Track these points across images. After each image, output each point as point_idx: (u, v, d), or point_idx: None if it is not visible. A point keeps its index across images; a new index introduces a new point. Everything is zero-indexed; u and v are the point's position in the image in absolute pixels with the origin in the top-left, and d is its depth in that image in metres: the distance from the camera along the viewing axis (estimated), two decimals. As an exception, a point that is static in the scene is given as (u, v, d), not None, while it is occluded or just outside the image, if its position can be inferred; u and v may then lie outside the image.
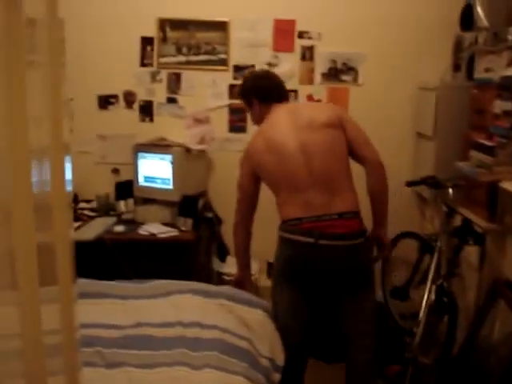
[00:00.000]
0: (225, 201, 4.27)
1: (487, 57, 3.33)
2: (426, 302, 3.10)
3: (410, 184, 3.48)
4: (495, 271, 3.10)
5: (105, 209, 4.14)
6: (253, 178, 2.91)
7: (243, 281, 3.16)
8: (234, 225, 3.07)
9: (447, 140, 3.63)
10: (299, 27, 4.14)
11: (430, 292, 3.10)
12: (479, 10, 3.39)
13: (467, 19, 3.64)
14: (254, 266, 4.12)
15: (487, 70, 3.30)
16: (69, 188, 1.13)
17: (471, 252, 3.24)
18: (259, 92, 2.94)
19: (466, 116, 3.51)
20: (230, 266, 4.11)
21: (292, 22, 4.15)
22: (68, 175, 1.12)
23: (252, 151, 2.85)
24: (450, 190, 3.24)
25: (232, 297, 2.84)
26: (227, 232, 4.27)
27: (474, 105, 3.42)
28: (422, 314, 3.10)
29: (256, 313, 2.75)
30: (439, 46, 4.05)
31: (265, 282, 4.17)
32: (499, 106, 2.90)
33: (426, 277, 3.29)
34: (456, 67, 3.90)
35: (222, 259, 4.21)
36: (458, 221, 3.29)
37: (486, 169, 2.85)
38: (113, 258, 3.69)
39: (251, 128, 4.23)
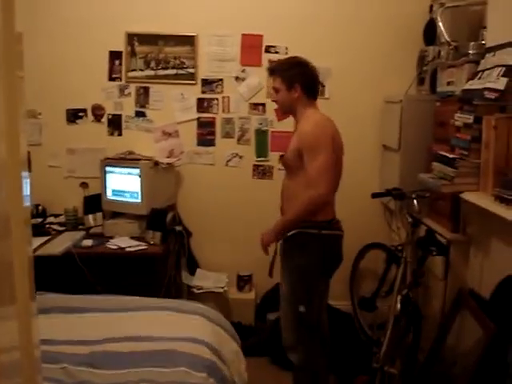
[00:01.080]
0: (194, 214, 4.29)
1: (449, 70, 3.40)
2: (392, 312, 3.14)
3: (375, 196, 3.52)
4: (459, 281, 3.15)
5: (73, 223, 4.12)
6: (331, 149, 2.79)
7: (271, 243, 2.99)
8: (319, 195, 2.73)
9: (412, 152, 3.70)
10: (266, 42, 4.19)
11: (396, 302, 3.14)
12: (441, 25, 3.47)
13: (430, 34, 3.73)
14: (224, 279, 4.13)
15: (449, 84, 3.37)
16: (27, 204, 1.13)
17: (436, 262, 3.29)
18: (310, 83, 2.92)
19: (429, 129, 3.59)
20: (200, 279, 4.11)
21: (259, 37, 4.19)
22: (26, 191, 1.12)
23: (330, 132, 2.83)
24: (415, 202, 3.28)
25: (201, 312, 2.85)
26: (196, 245, 4.29)
27: (437, 118, 3.50)
28: (388, 323, 3.14)
29: (223, 331, 2.77)
30: (404, 60, 4.14)
31: (234, 294, 4.18)
32: (460, 118, 2.97)
33: (393, 287, 3.34)
34: (420, 81, 3.98)
35: (192, 272, 4.21)
36: (422, 231, 3.35)
37: (448, 180, 2.90)
38: (81, 273, 3.67)
39: (220, 141, 4.27)
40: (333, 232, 2.91)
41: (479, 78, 2.90)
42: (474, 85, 2.91)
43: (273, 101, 3.13)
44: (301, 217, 2.79)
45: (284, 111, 3.07)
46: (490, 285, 2.81)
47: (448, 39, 3.40)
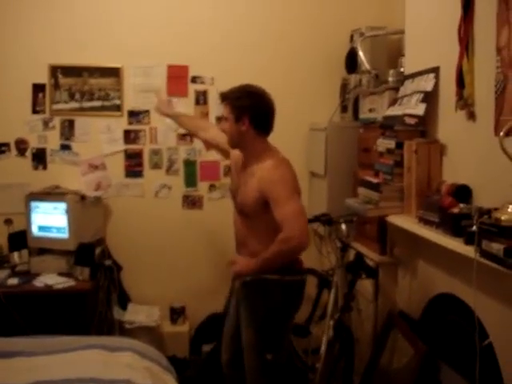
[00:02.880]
0: (123, 247, 4.22)
1: (370, 98, 3.52)
2: (326, 336, 3.16)
3: (305, 222, 3.56)
4: (389, 302, 3.22)
5: (-3, 261, 3.97)
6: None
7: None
8: (300, 243, 2.54)
9: (338, 178, 3.78)
10: (192, 72, 4.21)
11: (328, 327, 3.17)
12: (362, 54, 3.59)
13: (352, 62, 3.85)
14: (156, 313, 4.07)
15: (371, 111, 3.49)
16: None
17: (366, 285, 3.35)
18: (261, 117, 2.69)
19: (354, 154, 3.68)
20: (132, 314, 4.03)
21: (185, 68, 4.21)
22: None
23: (294, 173, 2.70)
24: (343, 226, 3.35)
25: (135, 349, 2.78)
26: (127, 278, 4.22)
27: (361, 144, 3.59)
28: (322, 349, 3.16)
29: (157, 365, 2.71)
30: (327, 88, 4.24)
31: (167, 327, 4.12)
32: (382, 144, 3.06)
33: (326, 312, 3.37)
34: (343, 108, 4.09)
35: (123, 307, 4.12)
36: (352, 255, 3.40)
37: (373, 204, 2.98)
38: (7, 313, 3.54)
39: (148, 173, 4.24)
40: (296, 278, 2.76)
41: (399, 105, 3.01)
42: (395, 111, 3.02)
43: (222, 130, 2.81)
44: (278, 260, 2.59)
45: (232, 144, 2.75)
46: (419, 305, 2.89)
47: (368, 67, 3.51)
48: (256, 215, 2.65)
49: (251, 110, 2.64)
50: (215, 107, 4.21)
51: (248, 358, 2.77)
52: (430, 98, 2.76)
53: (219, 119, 4.24)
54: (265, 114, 2.69)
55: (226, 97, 2.71)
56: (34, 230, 3.91)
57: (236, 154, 2.84)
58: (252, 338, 2.72)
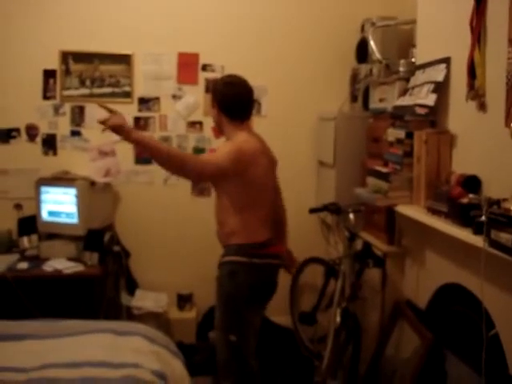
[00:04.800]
0: (132, 233, 4.24)
1: (381, 88, 3.51)
2: (333, 325, 3.18)
3: (312, 211, 3.58)
4: (396, 292, 3.23)
5: (7, 245, 4.00)
6: (230, 170, 2.65)
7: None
8: (197, 174, 2.65)
9: (346, 168, 3.79)
10: (203, 60, 4.22)
11: (335, 315, 3.19)
12: (373, 43, 3.58)
13: (362, 52, 3.84)
14: (164, 299, 4.09)
15: (381, 100, 3.48)
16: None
17: (374, 274, 3.36)
18: (227, 103, 2.80)
19: (363, 144, 3.68)
20: (139, 300, 4.06)
21: (195, 56, 4.22)
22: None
23: (249, 149, 2.71)
24: (351, 216, 3.35)
25: (143, 334, 2.80)
26: (135, 265, 4.25)
27: (371, 133, 3.59)
28: (329, 337, 3.18)
29: (165, 350, 2.73)
30: (337, 78, 4.25)
31: (174, 314, 4.15)
32: (392, 134, 3.06)
33: (333, 300, 3.38)
34: (353, 98, 4.08)
35: (131, 293, 4.15)
36: (359, 245, 3.41)
37: (382, 194, 2.98)
38: (17, 297, 3.57)
39: (157, 160, 4.23)
40: (264, 261, 2.77)
41: (410, 95, 3.00)
42: (405, 101, 3.01)
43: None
44: (165, 156, 2.58)
45: (218, 128, 2.96)
46: (425, 295, 2.89)
47: (379, 57, 3.50)
48: (219, 190, 2.79)
49: (219, 96, 2.80)
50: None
51: (216, 337, 2.86)
52: (441, 88, 2.75)
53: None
54: (232, 101, 2.79)
55: (209, 86, 3.07)
56: (44, 215, 3.94)
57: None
58: (218, 318, 2.81)
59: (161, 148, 2.60)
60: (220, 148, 2.78)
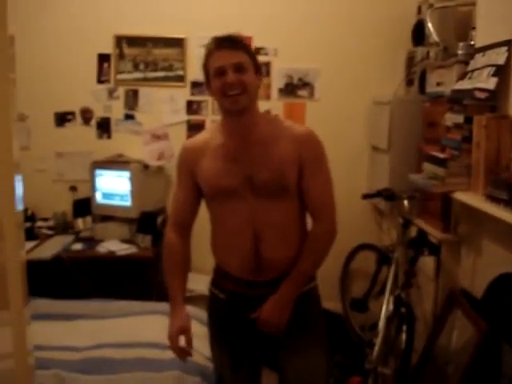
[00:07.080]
0: (184, 217, 4.25)
1: (438, 71, 3.41)
2: (385, 312, 3.14)
3: (365, 197, 3.53)
4: (451, 281, 3.16)
5: (62, 227, 4.09)
6: None
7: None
8: (333, 231, 2.14)
9: (401, 153, 3.70)
10: (255, 43, 4.18)
11: (388, 303, 3.15)
12: (430, 26, 3.48)
13: (419, 35, 3.74)
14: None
15: (438, 84, 3.38)
16: (20, 207, 1.12)
17: (428, 262, 3.30)
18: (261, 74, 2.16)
19: (419, 129, 3.59)
20: (191, 282, 4.06)
21: (248, 39, 4.18)
22: (19, 194, 1.11)
23: None
24: (406, 202, 3.29)
25: (195, 316, 2.82)
26: (187, 248, 4.26)
27: (427, 118, 3.50)
28: (380, 324, 3.14)
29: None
30: (392, 61, 4.15)
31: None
32: (450, 118, 2.98)
33: (385, 288, 3.34)
34: (409, 82, 3.99)
35: (183, 275, 4.18)
36: (413, 232, 3.35)
37: (438, 180, 2.91)
38: (71, 277, 3.65)
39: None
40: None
41: (469, 78, 2.91)
42: (464, 85, 2.92)
43: (238, 82, 2.03)
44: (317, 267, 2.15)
45: (248, 100, 2.06)
46: (481, 284, 2.82)
47: (437, 40, 3.40)
48: (283, 192, 2.06)
49: (257, 63, 2.11)
50: (278, 79, 4.20)
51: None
52: (502, 71, 2.65)
53: (280, 91, 4.23)
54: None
55: (240, 43, 2.09)
56: (98, 197, 4.01)
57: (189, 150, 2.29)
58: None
59: (306, 272, 2.12)
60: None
